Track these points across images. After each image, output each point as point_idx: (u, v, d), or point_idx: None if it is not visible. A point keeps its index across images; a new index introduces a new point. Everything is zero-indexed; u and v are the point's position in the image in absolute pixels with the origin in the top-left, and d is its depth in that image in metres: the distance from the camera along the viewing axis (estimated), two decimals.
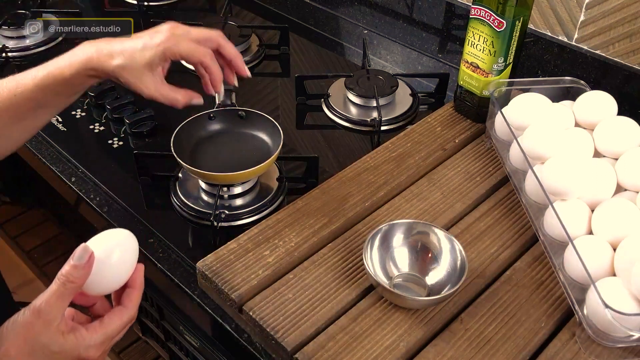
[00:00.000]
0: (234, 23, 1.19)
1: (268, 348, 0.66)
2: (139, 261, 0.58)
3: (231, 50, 0.71)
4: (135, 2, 1.33)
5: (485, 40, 0.84)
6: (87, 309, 0.58)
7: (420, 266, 0.70)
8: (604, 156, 0.77)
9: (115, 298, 0.59)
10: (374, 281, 0.66)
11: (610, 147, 0.76)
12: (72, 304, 0.55)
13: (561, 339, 0.64)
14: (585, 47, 0.95)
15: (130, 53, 0.66)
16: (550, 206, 0.68)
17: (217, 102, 0.89)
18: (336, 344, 0.63)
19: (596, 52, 0.94)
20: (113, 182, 0.89)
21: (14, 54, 1.16)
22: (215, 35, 0.70)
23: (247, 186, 0.85)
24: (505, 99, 0.85)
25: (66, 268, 0.53)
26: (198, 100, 0.71)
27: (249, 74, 0.72)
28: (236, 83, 0.73)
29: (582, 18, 0.93)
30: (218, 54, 0.71)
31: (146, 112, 0.98)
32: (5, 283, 0.72)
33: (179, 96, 0.69)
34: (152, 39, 0.66)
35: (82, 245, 0.54)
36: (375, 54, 1.20)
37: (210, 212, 0.80)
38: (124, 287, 0.58)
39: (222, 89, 0.71)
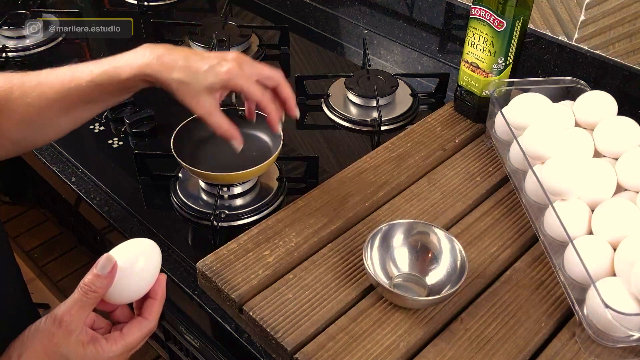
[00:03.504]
0: (234, 23, 1.19)
1: (268, 348, 0.66)
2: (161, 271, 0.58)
3: (288, 91, 0.71)
4: (135, 2, 1.33)
5: (485, 40, 0.84)
6: (108, 314, 0.58)
7: (420, 266, 0.70)
8: (604, 156, 0.77)
9: (136, 306, 0.58)
10: (374, 281, 0.66)
11: (610, 147, 0.76)
12: (93, 309, 0.54)
13: (561, 339, 0.64)
14: (585, 47, 0.95)
15: (193, 71, 0.66)
16: (550, 206, 0.68)
17: None
18: (336, 344, 0.63)
19: (596, 52, 0.94)
20: (113, 182, 0.89)
21: (14, 54, 1.16)
22: (276, 75, 0.70)
23: (247, 186, 0.85)
24: (505, 99, 0.85)
25: (89, 277, 0.52)
26: (238, 144, 0.70)
27: (297, 115, 0.73)
28: (280, 129, 0.73)
29: (582, 18, 0.93)
30: (274, 91, 0.71)
31: (146, 112, 0.98)
32: (24, 281, 0.72)
33: (230, 128, 0.69)
34: (219, 64, 0.66)
35: (106, 254, 0.53)
36: (375, 54, 1.20)
37: (210, 212, 0.80)
38: (146, 296, 0.57)
39: (280, 128, 0.72)
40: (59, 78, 0.67)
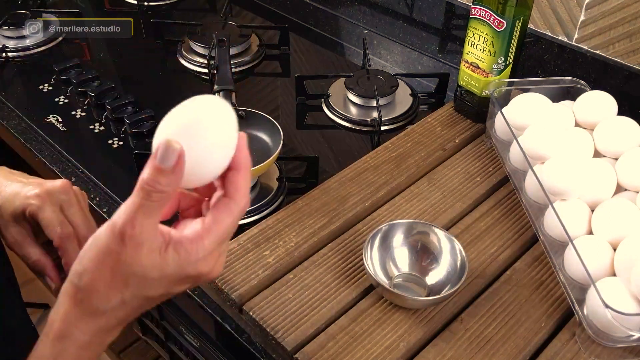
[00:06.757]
0: (234, 23, 1.19)
1: (268, 348, 0.66)
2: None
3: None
4: (135, 2, 1.33)
5: (485, 40, 0.84)
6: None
7: (420, 266, 0.70)
8: (604, 156, 0.77)
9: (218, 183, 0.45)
10: (374, 281, 0.66)
11: (610, 147, 0.76)
12: None
13: (561, 339, 0.64)
14: (585, 47, 0.95)
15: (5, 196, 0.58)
16: (550, 206, 0.68)
17: None
18: (336, 344, 0.63)
19: (596, 52, 0.94)
20: (113, 182, 0.89)
21: (14, 54, 1.16)
22: (91, 225, 0.61)
23: None
24: (505, 99, 0.85)
25: (149, 173, 0.40)
26: (52, 282, 0.60)
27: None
28: (53, 285, 0.61)
29: (582, 18, 0.93)
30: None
31: (146, 112, 0.98)
32: (16, 282, 0.70)
33: (43, 262, 0.60)
34: (25, 188, 0.58)
35: (165, 140, 0.40)
36: (375, 54, 1.20)
37: None
38: (227, 169, 0.43)
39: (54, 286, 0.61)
40: None
